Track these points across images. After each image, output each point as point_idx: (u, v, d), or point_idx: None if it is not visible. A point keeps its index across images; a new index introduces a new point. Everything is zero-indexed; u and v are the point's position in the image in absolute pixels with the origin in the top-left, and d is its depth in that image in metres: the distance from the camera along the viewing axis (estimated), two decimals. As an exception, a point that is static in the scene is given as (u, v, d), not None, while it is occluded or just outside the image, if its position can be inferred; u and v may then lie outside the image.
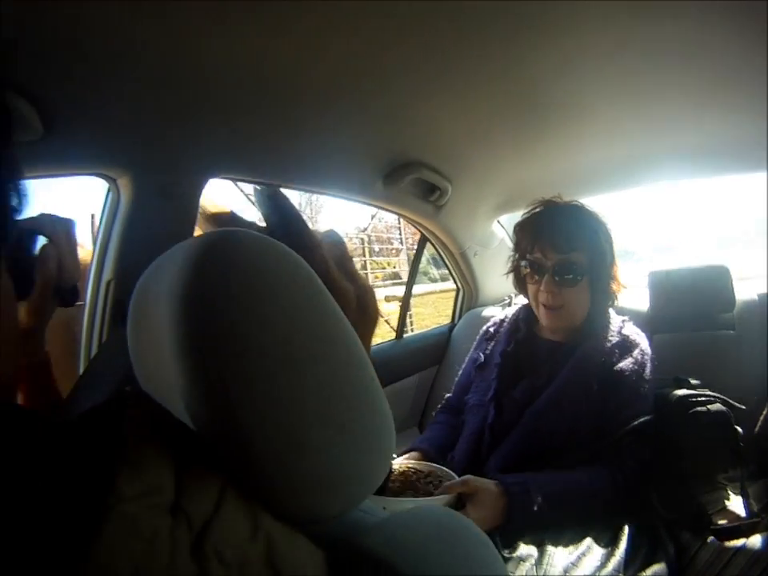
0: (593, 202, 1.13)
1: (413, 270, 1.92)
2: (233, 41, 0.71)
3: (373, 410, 0.31)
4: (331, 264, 0.40)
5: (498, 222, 1.76)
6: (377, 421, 0.31)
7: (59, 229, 0.54)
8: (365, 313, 0.43)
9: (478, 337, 1.28)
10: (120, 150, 0.83)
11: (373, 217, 8.20)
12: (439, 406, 1.29)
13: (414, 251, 1.84)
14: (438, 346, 1.79)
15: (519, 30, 0.78)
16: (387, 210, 1.47)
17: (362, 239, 8.38)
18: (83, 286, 0.91)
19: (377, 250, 8.85)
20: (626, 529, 0.88)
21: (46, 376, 0.60)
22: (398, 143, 1.13)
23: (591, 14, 0.75)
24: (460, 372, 1.29)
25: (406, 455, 1.08)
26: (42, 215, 0.56)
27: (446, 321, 1.95)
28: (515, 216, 1.27)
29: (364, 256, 8.36)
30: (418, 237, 1.81)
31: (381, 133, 1.04)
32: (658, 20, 0.77)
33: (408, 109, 0.99)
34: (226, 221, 0.46)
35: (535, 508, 0.85)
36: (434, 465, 0.97)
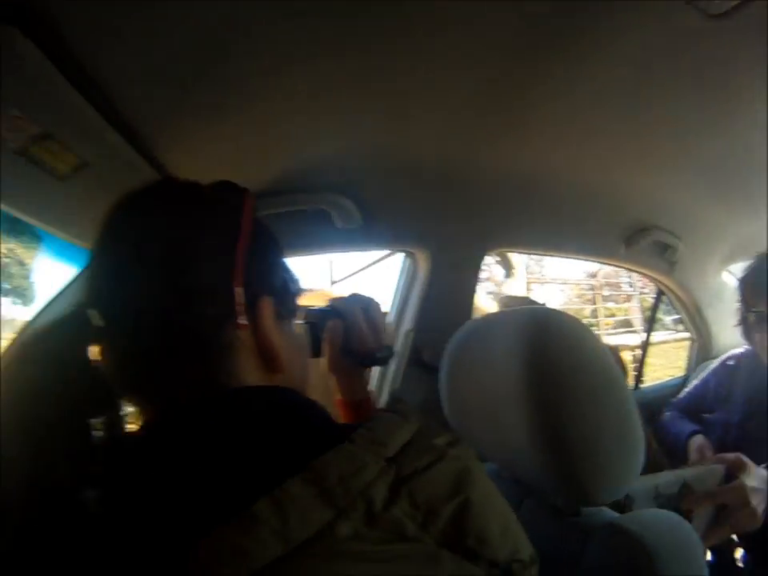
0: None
1: (650, 322, 2.01)
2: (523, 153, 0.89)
3: (636, 426, 0.47)
4: None
5: (729, 272, 1.74)
6: (638, 433, 0.47)
7: (353, 308, 0.63)
8: (619, 365, 0.55)
9: (717, 364, 1.35)
10: (422, 233, 1.03)
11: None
12: (670, 406, 1.40)
13: (644, 294, 1.93)
14: (673, 397, 1.80)
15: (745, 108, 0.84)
16: (624, 267, 1.62)
17: (591, 285, 8.04)
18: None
19: (606, 294, 8.23)
20: None
21: (366, 411, 0.68)
22: (640, 211, 1.26)
23: None
24: (697, 382, 1.38)
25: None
26: (338, 299, 0.66)
27: (678, 372, 1.93)
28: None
29: (594, 303, 7.98)
30: (647, 280, 1.91)
31: (626, 206, 1.15)
32: None
33: (648, 184, 1.12)
34: (521, 300, 0.75)
35: None
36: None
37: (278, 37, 0.54)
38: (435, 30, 0.57)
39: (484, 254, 1.12)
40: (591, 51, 0.65)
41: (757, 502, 0.71)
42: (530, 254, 1.29)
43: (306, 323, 0.60)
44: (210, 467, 0.27)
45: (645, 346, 1.97)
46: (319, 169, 0.85)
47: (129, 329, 0.32)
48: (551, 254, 1.31)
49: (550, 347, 0.45)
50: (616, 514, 0.51)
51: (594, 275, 7.97)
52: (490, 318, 0.60)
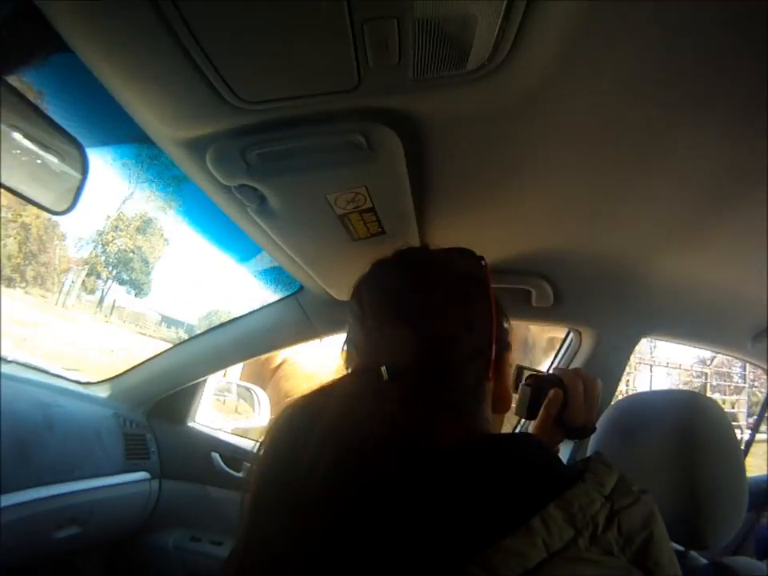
0: None
1: (759, 419, 2.03)
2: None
3: (745, 492, 0.61)
4: None
5: None
6: (745, 498, 0.61)
7: (577, 381, 0.67)
8: None
9: None
10: (593, 315, 1.17)
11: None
12: None
13: (755, 389, 2.85)
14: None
15: None
16: (745, 361, 1.53)
17: (704, 373, 8.10)
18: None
19: (714, 384, 8.01)
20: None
21: None
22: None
23: None
24: None
25: None
26: (563, 370, 0.72)
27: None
28: None
29: (704, 391, 7.88)
30: (759, 371, 1.74)
31: (749, 298, 1.08)
32: None
33: None
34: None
35: None
36: None
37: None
38: (654, 160, 0.65)
39: (639, 339, 1.23)
40: None
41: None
42: (672, 341, 1.29)
43: (529, 386, 0.69)
44: (495, 493, 0.35)
45: (749, 443, 1.88)
46: (531, 255, 0.98)
47: (409, 383, 0.40)
48: (686, 343, 1.36)
49: (697, 422, 0.61)
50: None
51: (705, 362, 8.25)
52: (642, 396, 0.78)
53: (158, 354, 1.40)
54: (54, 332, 12.40)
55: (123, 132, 0.70)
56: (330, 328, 1.22)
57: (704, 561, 0.68)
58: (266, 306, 1.24)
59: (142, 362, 1.41)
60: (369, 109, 0.50)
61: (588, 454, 0.64)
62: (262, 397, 1.70)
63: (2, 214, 17.65)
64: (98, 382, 1.45)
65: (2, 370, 1.15)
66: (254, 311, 1.27)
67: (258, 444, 0.38)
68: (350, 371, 0.42)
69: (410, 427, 0.37)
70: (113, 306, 20.39)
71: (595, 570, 0.32)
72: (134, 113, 0.53)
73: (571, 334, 1.31)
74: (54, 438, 1.08)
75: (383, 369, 0.39)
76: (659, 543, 0.34)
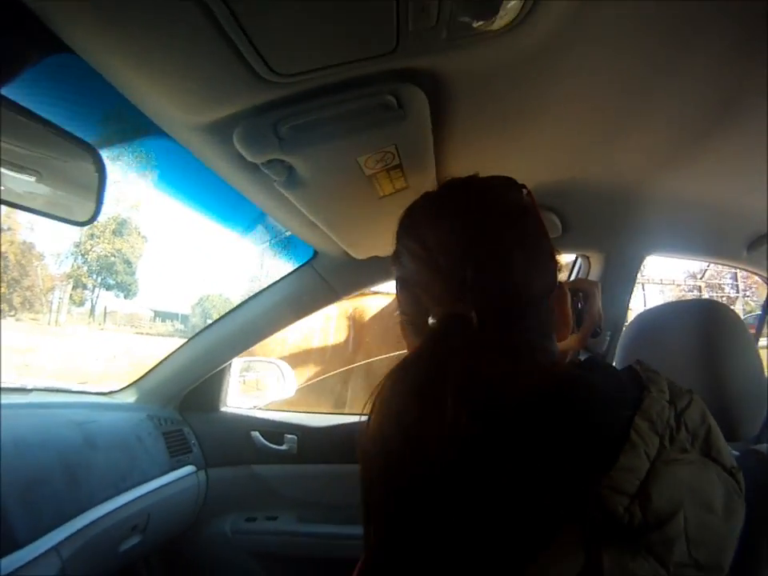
0: None
1: (759, 324, 1.94)
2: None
3: (764, 382, 0.63)
4: None
5: None
6: (764, 385, 0.63)
7: (594, 287, 0.71)
8: None
9: None
10: (600, 239, 1.21)
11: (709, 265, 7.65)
12: None
13: (747, 298, 2.58)
14: None
15: None
16: (742, 269, 1.54)
17: (697, 287, 8.23)
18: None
19: (707, 297, 8.23)
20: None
21: None
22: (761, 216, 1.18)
23: None
24: None
25: None
26: (579, 280, 0.86)
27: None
28: None
29: None
30: (750, 280, 2.40)
31: (743, 209, 1.12)
32: None
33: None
34: None
35: None
36: None
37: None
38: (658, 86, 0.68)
39: (644, 257, 1.30)
40: None
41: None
42: (673, 257, 1.35)
43: (573, 297, 0.68)
44: (594, 419, 0.36)
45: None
46: (537, 190, 0.87)
47: (496, 327, 0.39)
48: (686, 257, 1.42)
49: (717, 327, 0.65)
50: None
51: (696, 276, 8.40)
52: (662, 308, 0.79)
53: (179, 349, 1.40)
54: (53, 352, 12.36)
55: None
56: (349, 288, 1.27)
57: (736, 452, 0.71)
58: (281, 280, 1.26)
59: (163, 360, 1.41)
60: (401, 70, 0.53)
61: (617, 365, 0.70)
62: (285, 368, 1.71)
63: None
64: (122, 389, 1.45)
65: (29, 400, 1.16)
66: (269, 287, 1.29)
67: (372, 409, 0.37)
68: (431, 319, 0.39)
69: (518, 373, 0.37)
70: (104, 312, 20.50)
71: (684, 468, 0.34)
72: (146, 105, 0.54)
73: (579, 260, 1.35)
74: (98, 455, 1.09)
75: (473, 315, 0.38)
76: (716, 433, 0.37)
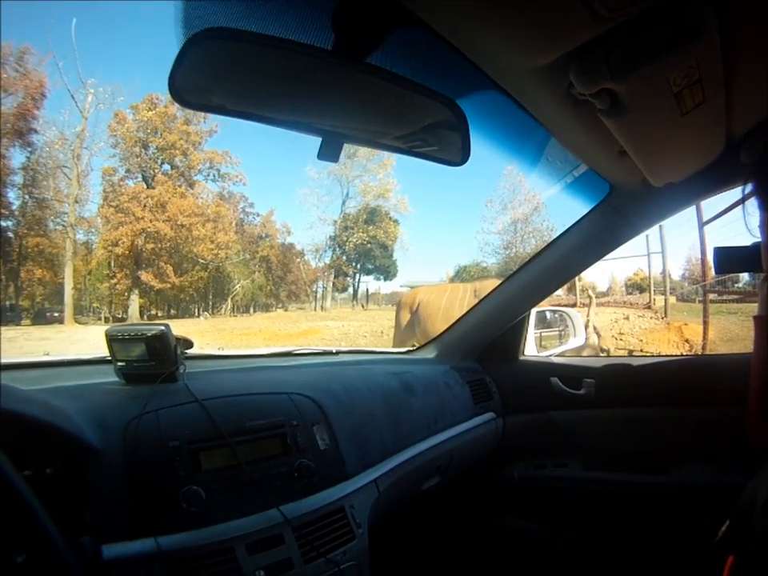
0: None
1: None
2: None
3: None
4: None
5: None
6: None
7: None
8: None
9: None
10: None
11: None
12: None
13: None
14: None
15: None
16: None
17: None
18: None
19: None
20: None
21: None
22: None
23: None
24: None
25: None
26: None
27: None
28: None
29: None
30: None
31: None
32: None
33: None
34: None
35: None
36: None
37: None
38: None
39: None
40: None
41: None
42: None
43: None
44: None
45: None
46: None
47: None
48: None
49: None
50: None
51: None
52: None
53: (476, 306, 1.51)
54: (323, 332, 13.49)
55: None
56: (648, 221, 1.22)
57: None
58: (576, 224, 1.26)
59: (460, 318, 1.55)
60: None
61: None
62: (576, 317, 1.69)
63: (241, 257, 21.42)
64: (421, 347, 1.63)
65: (338, 359, 1.34)
66: (565, 232, 1.30)
67: None
68: None
69: None
70: (366, 294, 22.97)
71: None
72: (486, 58, 0.63)
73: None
74: (416, 399, 1.19)
75: None
76: None
